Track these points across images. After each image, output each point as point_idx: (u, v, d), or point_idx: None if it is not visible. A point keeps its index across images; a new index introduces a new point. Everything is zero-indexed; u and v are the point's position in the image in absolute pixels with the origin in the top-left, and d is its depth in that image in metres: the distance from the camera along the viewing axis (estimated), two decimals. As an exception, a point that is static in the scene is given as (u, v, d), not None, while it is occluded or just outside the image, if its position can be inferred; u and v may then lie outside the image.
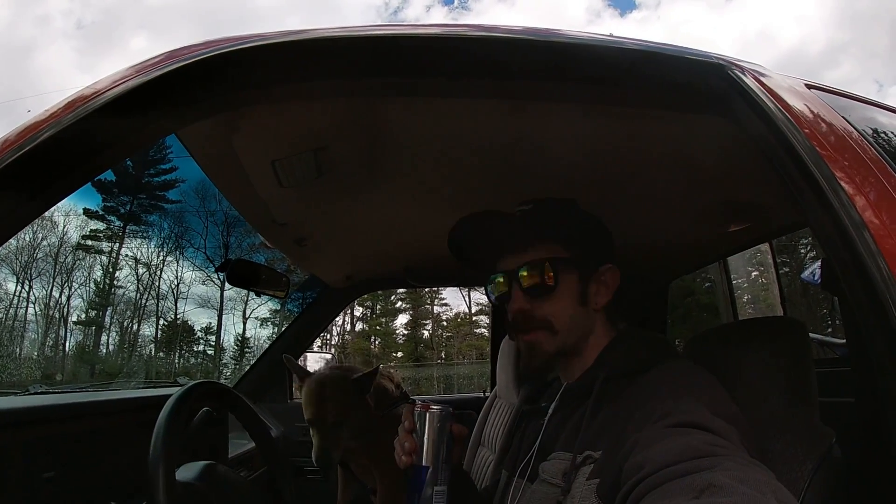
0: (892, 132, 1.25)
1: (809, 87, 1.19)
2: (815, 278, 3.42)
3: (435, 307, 20.76)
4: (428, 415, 1.07)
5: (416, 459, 1.06)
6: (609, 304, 1.19)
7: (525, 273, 1.15)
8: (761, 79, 1.05)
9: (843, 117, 1.10)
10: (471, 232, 1.26)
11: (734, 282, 3.36)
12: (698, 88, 1.06)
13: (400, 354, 19.57)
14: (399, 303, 20.18)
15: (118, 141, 0.91)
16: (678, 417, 0.85)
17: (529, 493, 1.12)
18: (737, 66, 1.07)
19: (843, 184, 0.88)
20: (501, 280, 1.19)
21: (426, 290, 18.23)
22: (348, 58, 0.99)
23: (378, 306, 18.90)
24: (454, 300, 20.49)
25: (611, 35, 1.11)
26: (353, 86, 1.07)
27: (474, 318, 20.49)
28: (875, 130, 1.16)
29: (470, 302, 20.30)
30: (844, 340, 2.88)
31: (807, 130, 0.96)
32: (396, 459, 1.10)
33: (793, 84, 1.14)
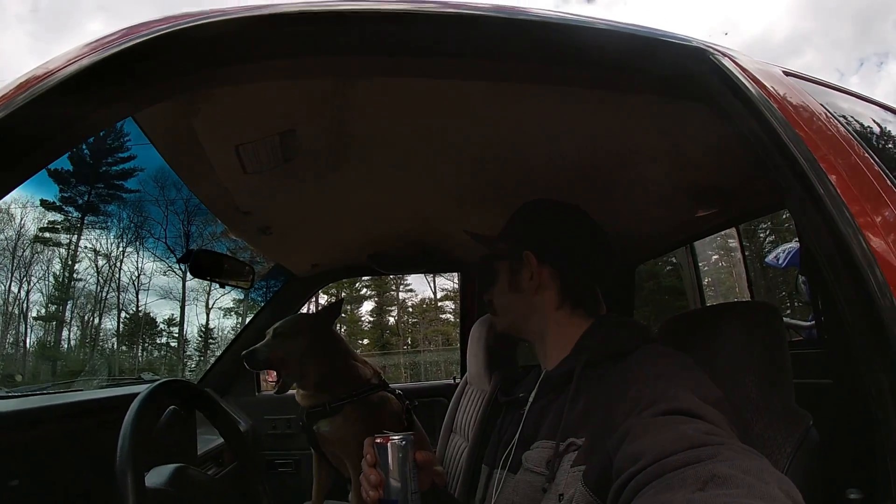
0: (861, 116, 1.30)
1: (787, 73, 1.20)
2: (780, 262, 3.50)
3: (400, 293, 20.75)
4: (389, 447, 1.05)
5: (385, 493, 1.04)
6: (563, 288, 1.22)
7: (477, 268, 1.24)
8: (742, 64, 1.05)
9: (819, 102, 1.12)
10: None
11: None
12: (680, 73, 1.05)
13: (366, 342, 19.46)
14: (364, 290, 20.05)
15: (74, 123, 0.85)
16: (667, 405, 0.84)
17: (514, 484, 1.11)
18: (717, 50, 1.06)
19: (821, 164, 0.89)
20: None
21: (391, 276, 18.23)
22: (313, 34, 0.95)
23: (343, 293, 18.81)
24: (419, 286, 20.45)
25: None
26: (318, 64, 1.03)
27: (440, 304, 20.55)
28: (847, 116, 1.19)
29: (435, 287, 20.30)
30: (809, 323, 2.95)
31: (787, 113, 0.97)
32: (363, 495, 1.09)
33: (772, 70, 1.15)
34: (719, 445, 0.73)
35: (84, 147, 14.31)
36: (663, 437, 0.77)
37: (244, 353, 1.99)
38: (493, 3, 1.02)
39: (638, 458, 0.76)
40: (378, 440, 1.06)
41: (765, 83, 1.03)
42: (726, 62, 1.03)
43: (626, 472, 0.76)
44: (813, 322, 2.77)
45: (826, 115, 1.07)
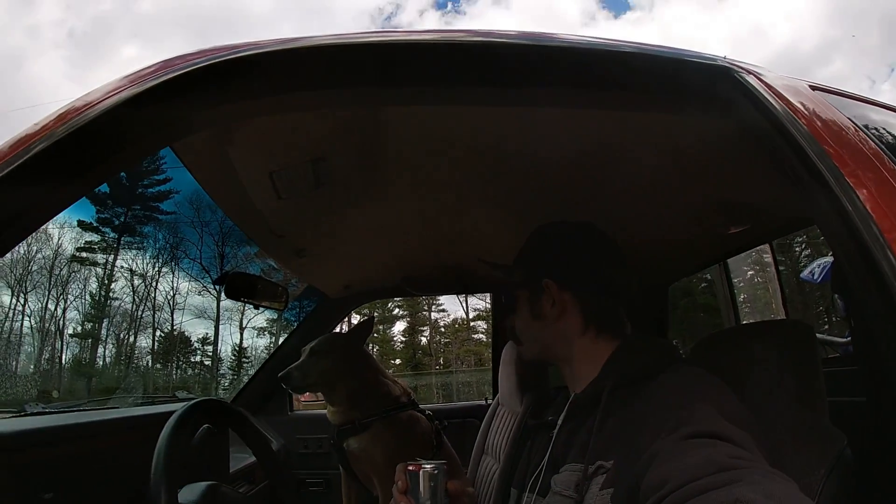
0: (892, 128, 1.25)
1: (813, 87, 1.19)
2: (815, 277, 3.43)
3: (432, 314, 20.75)
4: (421, 474, 1.05)
5: None
6: (586, 313, 1.20)
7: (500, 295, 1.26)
8: (766, 80, 1.05)
9: (846, 116, 1.10)
10: None
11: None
12: (704, 91, 1.05)
13: (398, 362, 19.44)
14: (396, 310, 20.09)
15: (112, 154, 0.88)
16: (694, 427, 0.84)
17: None
18: (741, 68, 1.06)
19: (848, 179, 0.88)
20: None
21: (423, 297, 18.23)
22: (344, 66, 0.98)
23: (375, 313, 18.87)
24: (451, 306, 20.43)
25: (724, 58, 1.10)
26: (349, 94, 1.05)
27: (472, 324, 20.46)
28: (877, 128, 1.16)
29: (467, 307, 20.26)
30: (845, 339, 2.88)
31: (812, 129, 0.96)
32: None
33: (797, 85, 1.14)
34: (745, 469, 0.72)
35: (121, 172, 14.62)
36: (689, 461, 0.76)
37: (281, 374, 2.04)
38: (519, 30, 1.04)
39: (664, 482, 0.75)
40: (410, 467, 1.06)
41: (790, 99, 1.02)
42: (751, 79, 1.03)
43: (653, 496, 0.76)
44: (849, 338, 2.70)
45: (854, 129, 1.05)
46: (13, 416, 1.73)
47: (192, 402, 1.43)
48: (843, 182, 0.87)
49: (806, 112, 1.01)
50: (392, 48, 0.99)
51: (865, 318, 0.86)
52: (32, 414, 1.76)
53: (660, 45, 1.08)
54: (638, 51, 1.06)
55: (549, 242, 1.30)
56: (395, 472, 1.09)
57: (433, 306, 20.32)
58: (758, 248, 2.88)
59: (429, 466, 1.05)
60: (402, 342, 20.41)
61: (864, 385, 1.42)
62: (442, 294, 12.04)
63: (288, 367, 2.07)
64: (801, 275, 3.96)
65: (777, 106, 0.98)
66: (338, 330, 3.08)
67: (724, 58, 1.09)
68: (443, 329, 20.93)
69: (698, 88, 1.05)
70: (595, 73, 1.04)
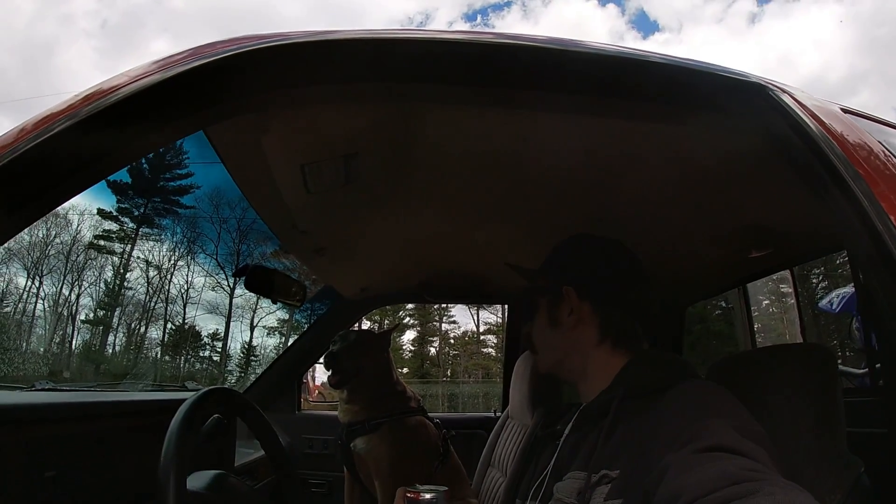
0: None
1: (845, 111, 1.18)
2: (834, 307, 3.40)
3: (443, 324, 20.74)
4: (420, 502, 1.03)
5: None
6: (603, 324, 1.19)
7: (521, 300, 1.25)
8: (800, 100, 1.04)
9: (877, 140, 1.09)
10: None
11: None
12: (737, 108, 1.05)
13: (406, 370, 19.41)
14: (407, 318, 20.11)
15: (135, 139, 0.88)
16: (707, 441, 0.83)
17: None
18: (776, 87, 1.06)
19: (881, 202, 0.87)
20: None
21: (434, 306, 18.21)
22: (375, 59, 0.98)
23: (386, 321, 18.85)
24: (462, 318, 20.41)
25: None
26: (379, 89, 1.06)
27: (482, 338, 20.43)
28: None
29: (478, 321, 20.23)
30: (862, 370, 2.85)
31: (845, 150, 0.95)
32: None
33: (829, 107, 1.13)
34: (761, 481, 0.71)
35: (143, 161, 14.80)
36: (704, 474, 0.75)
37: (325, 357, 2.09)
38: (549, 35, 1.04)
39: (678, 495, 0.74)
40: (409, 494, 1.04)
41: (824, 120, 1.01)
42: (786, 98, 1.03)
43: None
44: (866, 370, 2.67)
45: (885, 153, 1.04)
46: (23, 391, 1.75)
47: (206, 389, 1.44)
48: (876, 205, 0.87)
49: (839, 133, 1.00)
50: (422, 45, 1.00)
51: (894, 344, 0.84)
52: (42, 390, 1.78)
53: (693, 59, 1.08)
54: (671, 62, 1.06)
55: (576, 252, 1.30)
56: (395, 497, 1.08)
57: (444, 317, 20.33)
58: (774, 276, 2.86)
59: (428, 496, 1.03)
60: (411, 351, 20.43)
61: (888, 413, 1.40)
62: (458, 303, 12.04)
63: (332, 350, 2.10)
64: (820, 304, 3.92)
65: (812, 126, 0.97)
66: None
67: (760, 76, 1.09)
68: (452, 340, 20.91)
69: (732, 104, 1.04)
70: (626, 83, 1.04)
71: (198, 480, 1.31)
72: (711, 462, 0.78)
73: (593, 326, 1.19)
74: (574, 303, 1.19)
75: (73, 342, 16.42)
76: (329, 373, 2.06)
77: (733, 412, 0.92)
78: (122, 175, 14.50)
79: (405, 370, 19.34)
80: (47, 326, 16.40)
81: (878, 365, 2.24)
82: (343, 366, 2.04)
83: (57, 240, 16.36)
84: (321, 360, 2.15)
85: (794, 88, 1.11)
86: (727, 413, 0.91)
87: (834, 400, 1.08)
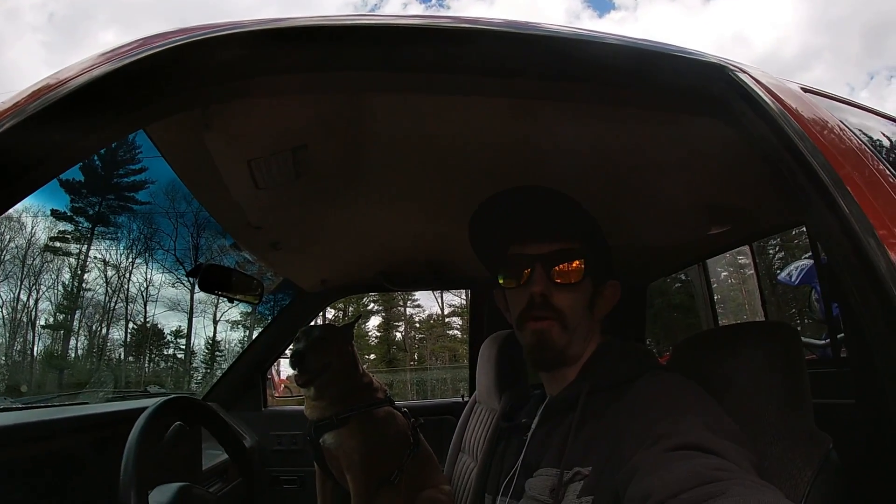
0: (873, 131, 1.28)
1: (805, 90, 1.19)
2: (793, 280, 3.48)
3: (407, 309, 20.74)
4: None
5: None
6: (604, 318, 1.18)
7: (558, 259, 1.13)
8: (759, 79, 1.04)
9: (837, 118, 1.11)
10: (504, 207, 1.23)
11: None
12: (698, 90, 1.04)
13: (373, 357, 19.42)
14: (371, 304, 20.03)
15: (85, 135, 0.83)
16: (678, 439, 0.82)
17: None
18: (736, 67, 1.05)
19: (843, 179, 0.88)
20: (526, 262, 1.15)
21: (399, 292, 18.26)
22: (327, 48, 0.94)
23: (350, 308, 18.82)
24: (427, 302, 20.43)
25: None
26: (330, 79, 1.02)
27: (447, 320, 20.52)
28: (862, 130, 1.17)
29: (442, 303, 20.29)
30: (823, 341, 2.92)
31: (806, 129, 0.95)
32: None
33: (789, 86, 1.14)
34: (729, 481, 0.71)
35: (95, 158, 14.46)
36: (673, 474, 0.75)
37: (291, 355, 2.00)
38: (504, 18, 1.00)
39: (647, 496, 0.74)
40: None
41: (783, 98, 1.01)
42: (745, 78, 1.02)
43: None
44: (827, 340, 2.73)
45: (844, 130, 1.06)
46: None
47: (162, 400, 1.40)
48: (838, 182, 0.87)
49: (799, 112, 1.00)
50: (375, 32, 0.96)
51: (860, 317, 0.84)
52: (1, 410, 1.71)
53: (650, 40, 1.06)
54: (627, 43, 1.04)
55: (600, 233, 1.22)
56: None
57: (408, 302, 20.35)
58: (733, 250, 2.91)
59: None
60: (376, 337, 20.44)
61: (856, 387, 1.42)
62: (419, 290, 12.06)
63: (296, 349, 2.02)
64: (779, 277, 4.01)
65: (772, 105, 0.97)
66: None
67: (719, 57, 1.08)
68: (418, 325, 20.98)
69: (691, 86, 1.03)
70: (582, 64, 1.02)
71: (161, 495, 1.28)
72: (681, 461, 0.78)
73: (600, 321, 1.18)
74: (611, 300, 1.18)
75: (33, 351, 16.04)
76: (295, 372, 2.01)
77: (704, 408, 0.91)
78: (75, 172, 14.17)
79: (372, 356, 19.36)
80: (5, 336, 15.98)
81: (839, 335, 2.29)
82: (310, 364, 1.99)
83: (11, 244, 15.89)
84: (286, 355, 2.10)
85: (753, 67, 1.11)
86: (698, 409, 0.90)
87: (800, 378, 1.08)
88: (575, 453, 1.00)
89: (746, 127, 1.00)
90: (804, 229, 2.38)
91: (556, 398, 1.14)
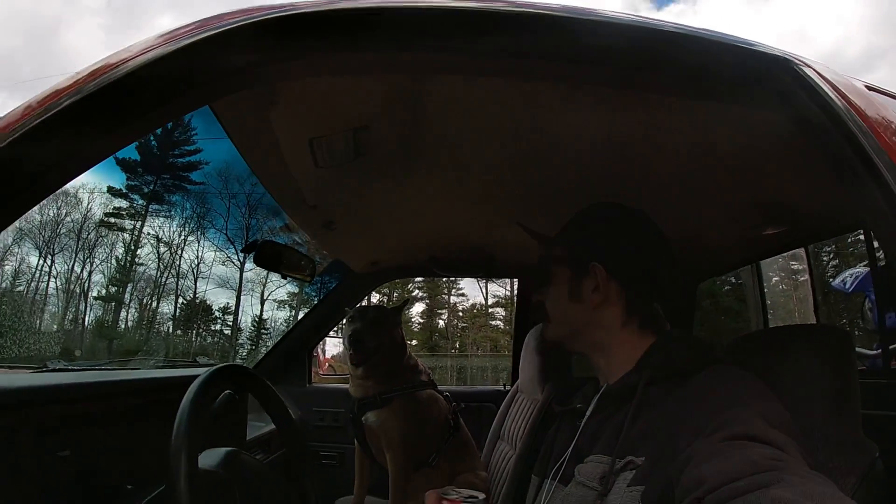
0: None
1: (870, 88, 1.15)
2: (847, 287, 3.38)
3: (452, 297, 20.75)
4: None
5: None
6: (630, 304, 1.16)
7: (534, 267, 1.27)
8: (825, 75, 1.01)
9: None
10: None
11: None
12: (759, 81, 1.01)
13: (415, 342, 19.42)
14: (416, 291, 20.13)
15: (144, 113, 0.85)
16: (734, 429, 0.82)
17: (563, 496, 1.09)
18: (801, 61, 1.02)
19: None
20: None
21: (444, 279, 18.27)
22: (391, 29, 0.95)
23: (395, 293, 18.89)
24: (471, 291, 20.35)
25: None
26: (394, 60, 1.02)
27: (490, 311, 20.43)
28: None
29: (487, 294, 20.21)
30: (874, 351, 2.83)
31: (873, 128, 0.92)
32: None
33: (853, 83, 1.10)
34: (784, 470, 0.71)
35: (152, 137, 14.84)
36: (728, 462, 0.75)
37: (350, 335, 2.06)
38: (561, 3, 0.99)
39: (702, 482, 0.74)
40: (446, 502, 1.03)
41: (848, 94, 0.98)
42: (810, 73, 1.00)
43: (689, 496, 0.75)
44: (879, 351, 2.65)
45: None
46: (35, 372, 1.76)
47: (217, 366, 1.43)
48: None
49: (864, 110, 0.97)
50: (440, 14, 0.96)
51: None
52: (54, 370, 1.78)
53: (717, 30, 1.04)
54: (692, 33, 1.02)
55: (602, 224, 1.24)
56: (428, 499, 1.07)
57: (453, 290, 20.36)
58: (786, 254, 2.83)
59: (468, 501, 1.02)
60: (419, 323, 20.51)
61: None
62: (467, 276, 12.08)
63: (355, 329, 2.07)
64: (833, 283, 3.90)
65: (837, 101, 0.95)
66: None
67: (783, 50, 1.06)
68: (461, 313, 20.92)
69: (754, 78, 1.01)
70: (647, 53, 1.00)
71: (209, 458, 1.31)
72: (736, 450, 0.77)
73: (619, 306, 1.15)
74: (602, 281, 1.15)
75: (85, 320, 16.63)
76: (351, 351, 2.05)
77: (761, 400, 0.90)
78: (131, 152, 14.56)
79: (414, 342, 19.42)
80: (59, 305, 16.59)
81: (892, 346, 2.22)
82: (367, 344, 2.04)
83: (68, 218, 16.47)
84: (340, 336, 2.15)
85: (817, 63, 1.08)
86: (755, 401, 0.89)
87: (849, 383, 1.06)
88: (629, 442, 0.99)
89: (810, 122, 0.98)
90: (861, 236, 2.31)
91: (613, 387, 1.13)
